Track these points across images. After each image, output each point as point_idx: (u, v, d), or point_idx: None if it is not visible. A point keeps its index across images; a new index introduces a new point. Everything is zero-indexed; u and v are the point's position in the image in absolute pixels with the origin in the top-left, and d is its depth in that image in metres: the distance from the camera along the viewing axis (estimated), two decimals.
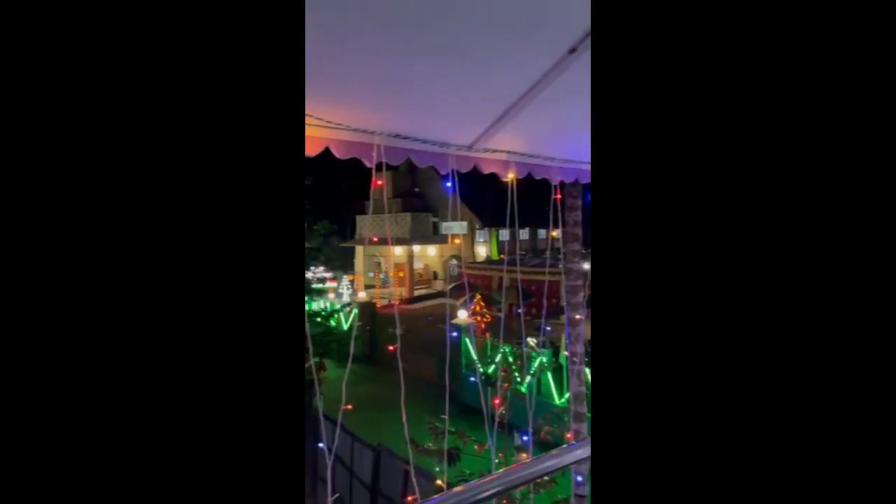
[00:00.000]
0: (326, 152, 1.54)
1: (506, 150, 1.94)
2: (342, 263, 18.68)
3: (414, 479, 2.14)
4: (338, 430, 1.92)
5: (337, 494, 5.78)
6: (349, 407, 1.79)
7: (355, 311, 12.44)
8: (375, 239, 17.10)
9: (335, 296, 15.90)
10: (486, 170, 1.93)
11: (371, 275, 20.66)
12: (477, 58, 1.27)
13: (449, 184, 1.82)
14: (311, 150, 1.48)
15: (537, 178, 2.13)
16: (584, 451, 1.13)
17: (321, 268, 11.42)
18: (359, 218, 21.12)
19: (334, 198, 22.38)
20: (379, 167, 1.61)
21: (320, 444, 5.78)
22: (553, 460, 1.11)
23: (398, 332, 2.58)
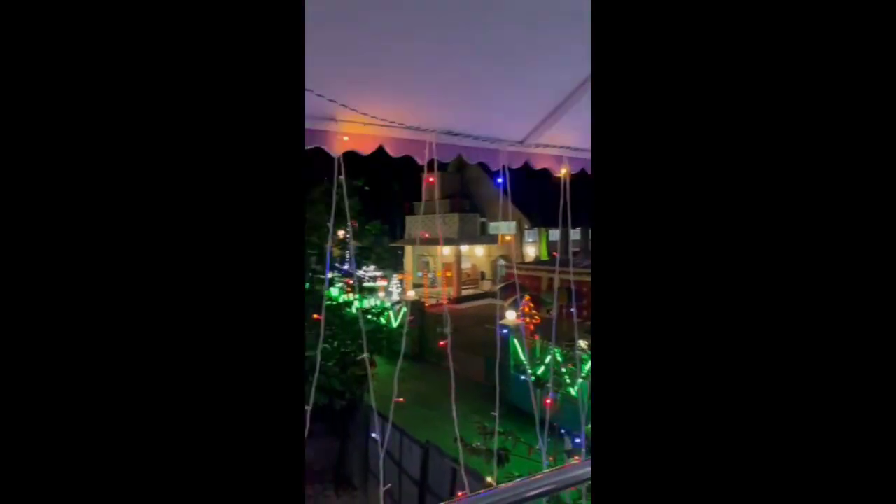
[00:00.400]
0: (379, 152, 1.57)
1: (559, 145, 1.89)
2: (392, 263, 19.09)
3: (465, 477, 2.14)
4: (389, 427, 1.95)
5: (389, 485, 5.90)
6: (401, 399, 1.81)
7: (405, 309, 12.70)
8: (427, 234, 17.29)
9: (385, 294, 16.27)
10: (539, 165, 1.90)
11: (419, 274, 20.94)
12: (529, 53, 1.25)
13: (500, 180, 1.80)
14: (366, 148, 1.52)
15: (591, 173, 2.06)
16: None
17: (372, 267, 11.71)
18: (408, 218, 21.48)
19: (385, 199, 22.93)
20: (431, 164, 1.62)
21: (373, 435, 5.92)
22: None
23: (447, 330, 2.60)
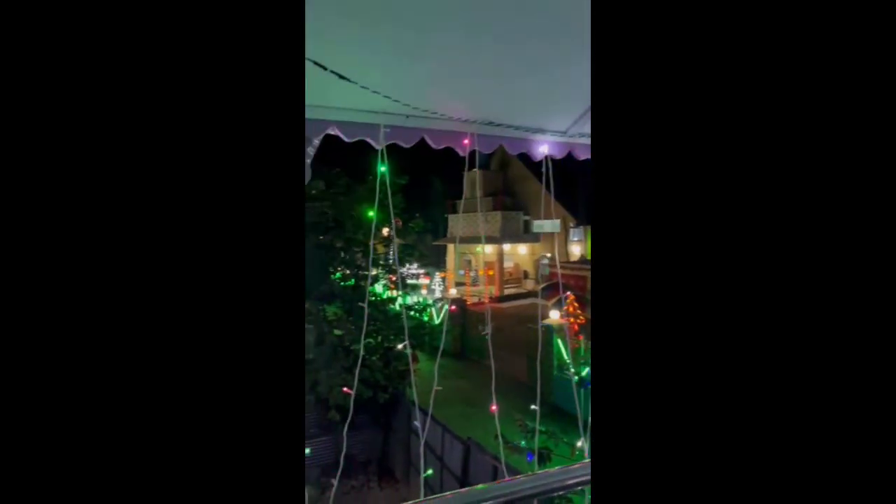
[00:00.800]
0: (422, 150, 1.59)
1: None
2: (434, 260, 19.28)
3: (505, 474, 2.13)
4: (428, 419, 1.99)
5: (430, 471, 5.95)
6: (440, 388, 1.83)
7: (446, 306, 12.81)
8: (468, 226, 17.13)
9: (427, 292, 16.46)
10: (582, 156, 1.85)
11: (461, 272, 20.98)
12: (570, 40, 1.22)
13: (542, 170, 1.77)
14: (408, 140, 1.54)
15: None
16: None
17: (415, 264, 11.88)
18: (450, 217, 21.58)
19: (427, 197, 23.15)
20: (472, 156, 1.63)
21: (415, 423, 5.99)
22: None
23: (488, 329, 2.59)
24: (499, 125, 1.64)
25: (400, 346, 6.97)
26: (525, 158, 1.77)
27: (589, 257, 19.50)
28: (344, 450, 1.83)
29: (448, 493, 0.92)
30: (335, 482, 2.07)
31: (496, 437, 2.52)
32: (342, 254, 7.86)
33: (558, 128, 1.75)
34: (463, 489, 0.93)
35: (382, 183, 1.67)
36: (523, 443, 4.30)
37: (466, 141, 1.59)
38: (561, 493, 0.96)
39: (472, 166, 1.63)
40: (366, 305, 2.49)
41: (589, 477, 0.96)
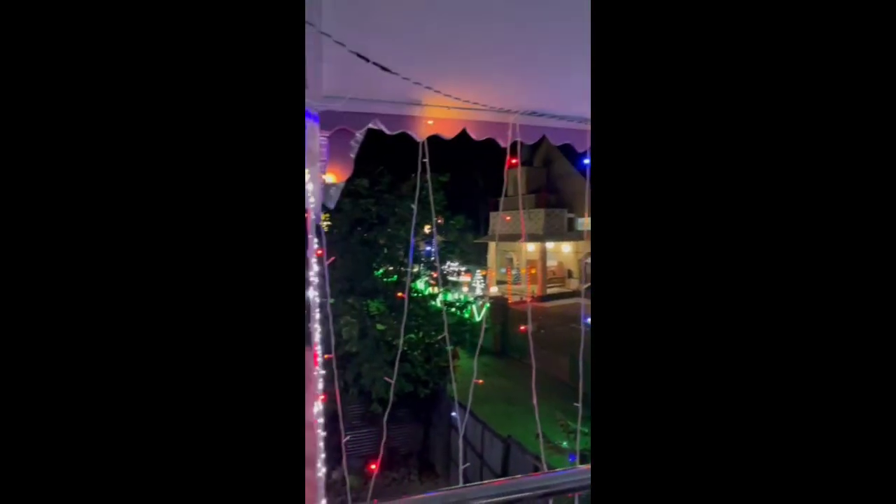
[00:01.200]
0: (464, 148, 1.59)
1: None
2: (475, 258, 19.25)
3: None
4: (467, 413, 1.99)
5: (468, 464, 5.99)
6: (480, 381, 1.83)
7: (487, 306, 12.77)
8: (508, 218, 16.83)
9: (468, 289, 16.46)
10: None
11: (503, 270, 20.82)
12: None
13: (586, 161, 1.72)
14: (450, 131, 1.54)
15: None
16: None
17: (456, 262, 11.92)
18: (492, 214, 21.47)
19: (469, 195, 23.14)
20: (514, 147, 1.60)
21: (453, 414, 6.03)
22: None
23: (529, 328, 2.57)
24: (541, 115, 1.61)
25: (439, 338, 7.03)
26: (569, 154, 1.73)
27: None
28: (384, 439, 1.88)
29: (485, 481, 0.92)
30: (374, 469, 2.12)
31: (537, 436, 2.47)
32: (385, 250, 8.02)
33: None
34: (500, 479, 0.92)
35: (423, 178, 1.68)
36: (565, 443, 4.22)
37: (508, 131, 1.57)
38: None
39: (513, 157, 1.61)
40: (406, 299, 2.53)
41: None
